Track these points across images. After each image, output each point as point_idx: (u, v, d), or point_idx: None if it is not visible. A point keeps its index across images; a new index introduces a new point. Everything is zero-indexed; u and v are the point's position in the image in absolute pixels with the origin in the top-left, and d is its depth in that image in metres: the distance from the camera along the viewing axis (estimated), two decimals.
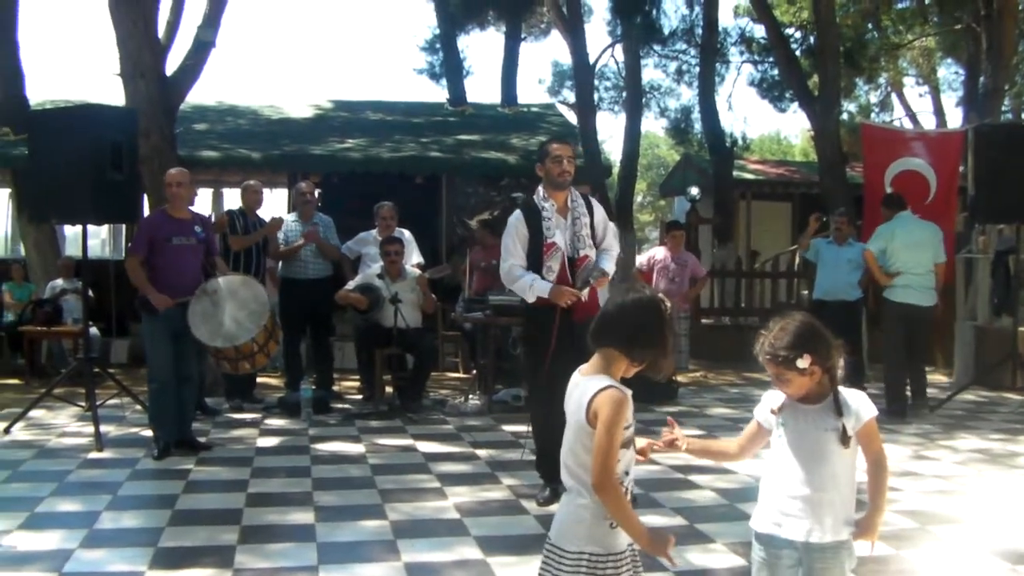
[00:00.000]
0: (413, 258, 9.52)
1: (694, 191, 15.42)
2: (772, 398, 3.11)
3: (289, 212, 10.72)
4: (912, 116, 28.41)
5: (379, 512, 5.65)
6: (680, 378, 11.86)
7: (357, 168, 13.03)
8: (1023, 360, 9.58)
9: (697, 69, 19.75)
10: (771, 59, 19.79)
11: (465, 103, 16.66)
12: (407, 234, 9.62)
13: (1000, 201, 8.70)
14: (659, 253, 10.26)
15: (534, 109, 16.89)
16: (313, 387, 8.91)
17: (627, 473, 2.88)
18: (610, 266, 5.86)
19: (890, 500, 5.87)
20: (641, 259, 10.47)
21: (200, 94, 14.94)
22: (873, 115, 27.43)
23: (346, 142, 13.67)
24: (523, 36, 18.66)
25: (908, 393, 9.07)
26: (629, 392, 2.85)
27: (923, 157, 11.17)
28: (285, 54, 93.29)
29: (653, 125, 62.91)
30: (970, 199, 9.08)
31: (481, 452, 7.34)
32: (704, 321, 13.87)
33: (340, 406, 9.28)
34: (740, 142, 21.96)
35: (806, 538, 2.94)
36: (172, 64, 11.39)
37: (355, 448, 7.48)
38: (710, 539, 5.13)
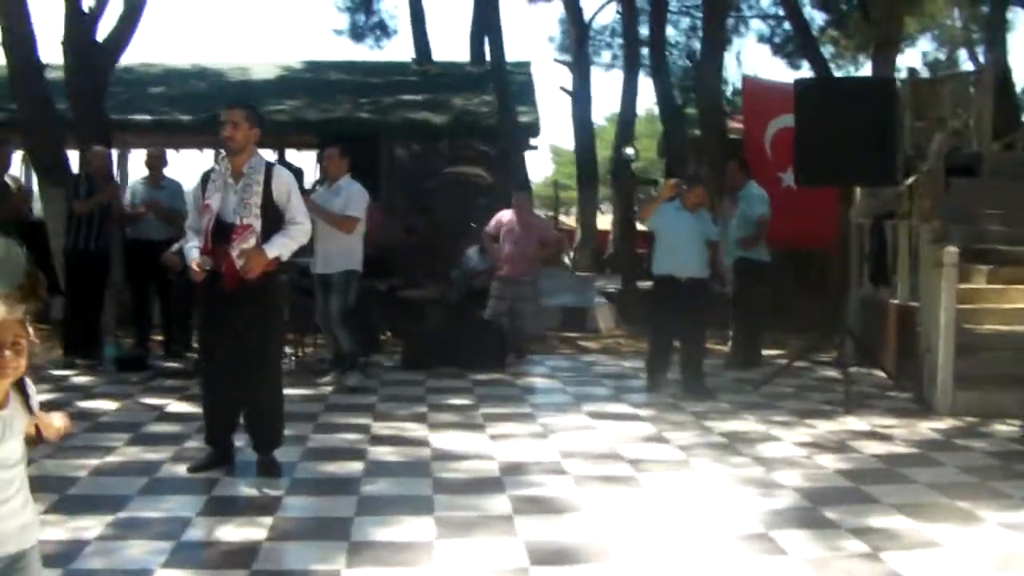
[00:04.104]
0: None
1: (629, 151, 14.89)
2: None
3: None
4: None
5: None
6: (593, 344, 11.62)
7: (282, 130, 13.10)
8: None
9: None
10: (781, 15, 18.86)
11: (430, 62, 16.45)
12: None
13: (824, 162, 7.99)
14: (506, 216, 9.94)
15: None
16: (126, 344, 9.08)
17: None
18: (281, 244, 5.62)
19: (541, 483, 5.63)
20: (491, 222, 10.15)
21: (177, 56, 15.33)
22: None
23: (282, 103, 13.72)
24: None
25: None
26: None
27: None
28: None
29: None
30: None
31: None
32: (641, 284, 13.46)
33: (174, 365, 9.34)
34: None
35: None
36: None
37: (102, 405, 7.56)
38: None
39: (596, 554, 4.49)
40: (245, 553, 4.44)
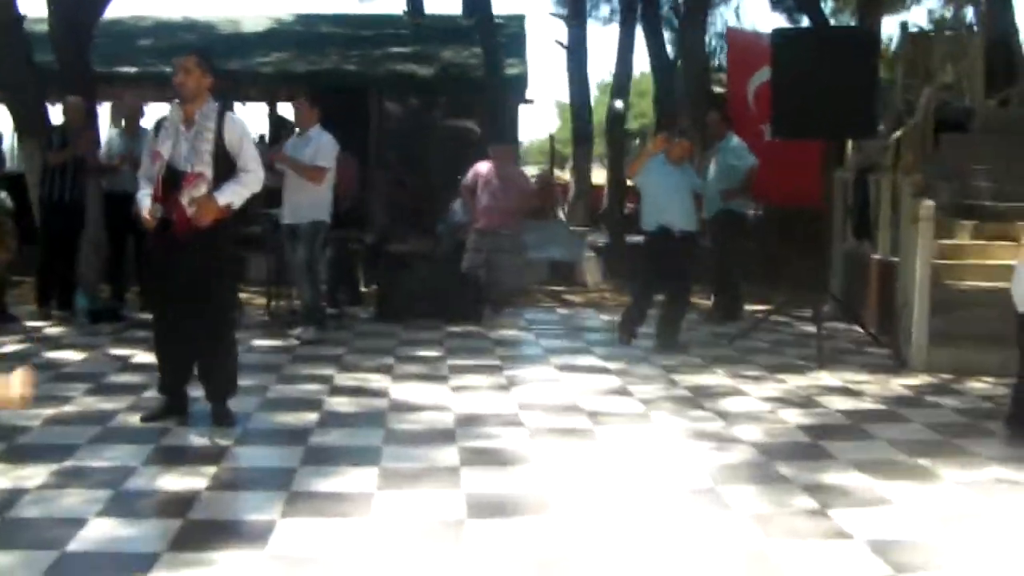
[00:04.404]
0: None
1: (619, 104, 14.72)
2: None
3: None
4: None
5: None
6: (577, 297, 11.52)
7: (270, 83, 12.98)
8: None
9: None
10: None
11: (420, 15, 16.26)
12: None
13: (800, 114, 7.80)
14: (484, 168, 9.78)
15: (497, 21, 16.22)
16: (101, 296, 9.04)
17: None
18: (232, 191, 5.54)
19: (494, 435, 5.57)
20: (468, 175, 10.00)
21: (167, 9, 15.17)
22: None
23: (270, 55, 13.57)
24: None
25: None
26: None
27: None
28: None
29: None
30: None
31: None
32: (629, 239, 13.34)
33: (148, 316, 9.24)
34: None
35: None
36: None
37: (68, 356, 7.53)
38: None
39: (536, 507, 4.43)
40: (182, 502, 4.39)
